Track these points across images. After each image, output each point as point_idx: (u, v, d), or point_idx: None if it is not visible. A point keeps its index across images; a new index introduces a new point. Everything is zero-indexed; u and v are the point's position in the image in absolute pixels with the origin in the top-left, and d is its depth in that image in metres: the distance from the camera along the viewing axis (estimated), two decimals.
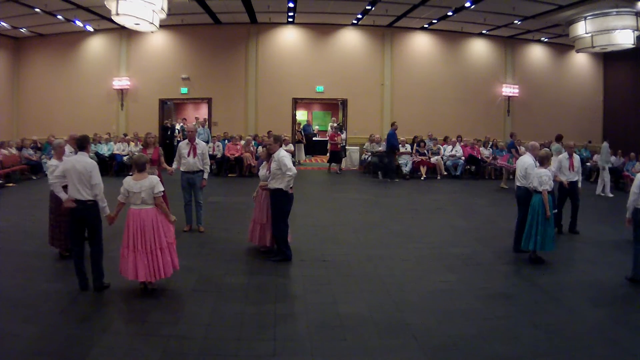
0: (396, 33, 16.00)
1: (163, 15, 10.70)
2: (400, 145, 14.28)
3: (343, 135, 15.05)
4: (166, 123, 15.75)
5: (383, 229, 7.86)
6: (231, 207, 9.46)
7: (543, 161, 6.17)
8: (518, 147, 12.50)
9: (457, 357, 3.76)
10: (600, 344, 4.02)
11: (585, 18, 12.26)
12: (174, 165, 7.39)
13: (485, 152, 14.49)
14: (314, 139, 19.96)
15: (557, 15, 12.75)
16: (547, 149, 7.12)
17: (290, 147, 14.09)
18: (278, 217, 5.86)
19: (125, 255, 4.71)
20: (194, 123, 15.07)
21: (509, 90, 16.47)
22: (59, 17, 13.30)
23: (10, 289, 4.94)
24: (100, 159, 13.18)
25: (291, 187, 5.87)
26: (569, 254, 6.87)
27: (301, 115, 20.04)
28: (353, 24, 15.63)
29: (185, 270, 5.43)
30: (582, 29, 12.47)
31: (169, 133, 15.51)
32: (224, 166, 13.82)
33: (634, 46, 12.25)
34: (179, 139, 14.88)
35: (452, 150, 14.40)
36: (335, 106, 18.71)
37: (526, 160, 6.47)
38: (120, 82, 15.50)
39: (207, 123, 15.73)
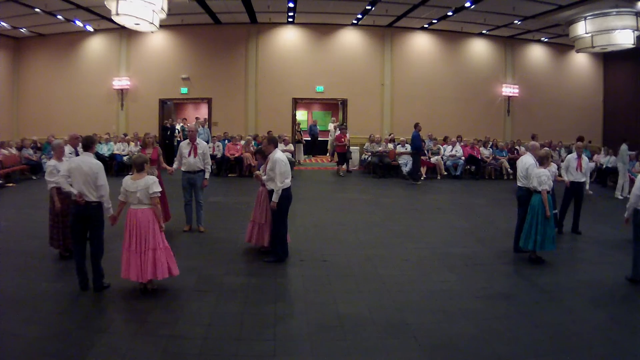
0: (396, 33, 15.99)
1: (163, 15, 10.69)
2: (400, 145, 14.31)
3: (347, 136, 14.86)
4: (166, 123, 15.73)
5: (383, 229, 7.86)
6: (231, 207, 9.46)
7: (543, 161, 6.17)
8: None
9: (457, 357, 3.76)
10: (600, 344, 4.02)
11: (585, 18, 12.26)
12: (175, 165, 7.39)
13: (485, 152, 14.49)
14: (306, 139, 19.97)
15: (557, 15, 12.74)
16: (547, 148, 7.14)
17: (290, 147, 14.11)
18: (276, 217, 5.86)
19: (126, 256, 4.73)
20: (194, 123, 15.06)
21: (509, 90, 16.47)
22: (59, 17, 13.30)
23: (11, 289, 4.94)
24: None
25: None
26: (569, 254, 6.87)
27: (301, 115, 20.04)
28: (353, 24, 15.63)
29: (185, 270, 5.43)
30: (582, 29, 12.47)
31: (168, 133, 15.49)
32: (224, 166, 13.81)
33: (634, 46, 12.24)
34: (179, 139, 14.88)
35: (452, 150, 14.40)
36: (335, 106, 18.70)
37: (527, 160, 6.47)
38: (120, 82, 15.49)
39: (207, 123, 15.71)
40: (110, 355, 3.65)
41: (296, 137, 16.15)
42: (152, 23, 10.31)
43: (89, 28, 14.87)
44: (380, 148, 14.25)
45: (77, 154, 6.37)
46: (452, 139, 14.69)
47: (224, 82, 15.74)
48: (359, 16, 14.54)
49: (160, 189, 4.93)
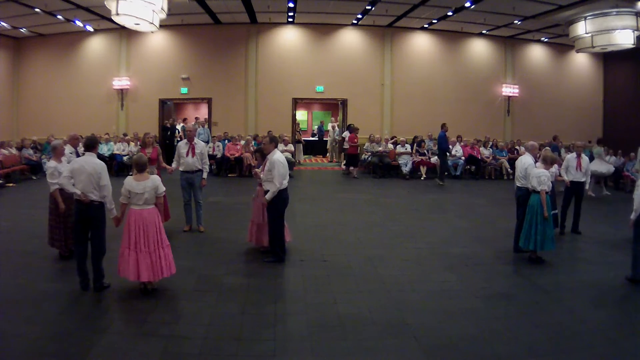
0: (396, 33, 16.00)
1: (163, 15, 10.70)
2: (399, 145, 14.31)
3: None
4: (166, 123, 15.74)
5: (383, 229, 7.86)
6: (231, 207, 9.46)
7: (546, 162, 6.15)
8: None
9: (457, 357, 3.76)
10: (601, 344, 4.02)
11: (585, 18, 12.26)
12: (173, 165, 7.39)
13: (485, 152, 14.49)
14: (313, 138, 20.05)
15: (557, 15, 12.74)
16: (548, 148, 7.14)
17: (290, 147, 14.11)
18: (273, 218, 5.85)
19: (125, 256, 4.69)
20: (193, 123, 15.07)
21: (509, 90, 16.47)
22: (59, 17, 13.30)
23: (11, 289, 4.94)
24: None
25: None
26: (569, 254, 6.87)
27: (301, 115, 20.07)
28: (353, 24, 15.63)
29: (185, 270, 5.43)
30: (582, 29, 12.47)
31: (169, 133, 15.50)
32: (224, 166, 13.82)
33: (634, 46, 12.24)
34: (179, 139, 14.88)
35: (452, 150, 14.39)
36: (335, 106, 18.72)
37: (526, 160, 6.46)
38: (120, 82, 15.50)
39: (207, 123, 15.72)
40: (110, 355, 3.65)
41: (296, 137, 16.16)
42: (152, 23, 10.31)
43: (89, 28, 14.87)
44: (380, 148, 14.24)
45: (77, 154, 6.37)
46: (452, 139, 14.67)
47: (224, 82, 15.74)
48: (359, 16, 14.54)
49: (165, 188, 4.94)
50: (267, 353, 3.76)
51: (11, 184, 11.61)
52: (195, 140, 7.32)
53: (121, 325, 4.27)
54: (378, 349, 3.85)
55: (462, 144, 14.64)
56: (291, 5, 13.19)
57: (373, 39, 15.97)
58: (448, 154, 13.27)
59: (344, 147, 14.26)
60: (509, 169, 13.97)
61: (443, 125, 12.62)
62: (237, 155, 13.65)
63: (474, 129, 15.76)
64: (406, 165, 13.80)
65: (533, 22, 13.89)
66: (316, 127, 20.71)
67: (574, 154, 7.70)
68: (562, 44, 16.47)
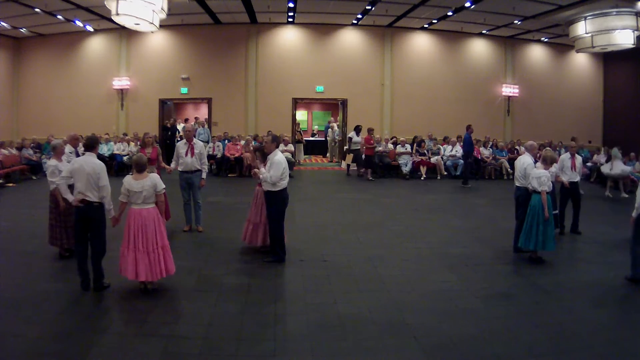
0: (396, 33, 16.00)
1: (163, 15, 10.70)
2: (399, 145, 14.31)
3: (358, 138, 13.92)
4: (166, 123, 15.75)
5: (383, 229, 7.86)
6: (231, 207, 9.46)
7: (546, 162, 6.14)
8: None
9: (457, 357, 3.76)
10: (600, 344, 4.02)
11: (585, 18, 12.26)
12: (172, 165, 7.40)
13: (486, 152, 14.49)
14: (312, 138, 20.04)
15: (557, 15, 12.75)
16: (549, 148, 7.12)
17: (290, 147, 14.11)
18: (273, 218, 5.85)
19: (125, 255, 4.71)
20: (193, 123, 15.07)
21: (509, 90, 16.47)
22: (59, 17, 13.30)
23: (11, 289, 4.94)
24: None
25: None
26: (570, 254, 6.87)
27: (301, 115, 20.07)
28: (353, 24, 15.63)
29: (185, 270, 5.44)
30: (582, 29, 12.47)
31: (169, 133, 15.50)
32: (224, 166, 13.82)
33: (634, 46, 12.24)
34: (178, 139, 14.88)
35: (452, 150, 14.40)
36: (335, 106, 18.71)
37: (525, 160, 6.46)
38: (120, 82, 15.50)
39: (207, 123, 15.71)
40: (110, 355, 3.65)
41: (296, 137, 16.16)
42: (152, 23, 10.32)
43: (89, 28, 14.87)
44: (380, 148, 14.23)
45: (77, 154, 6.37)
46: (452, 139, 14.69)
47: (224, 82, 15.74)
48: (359, 16, 14.54)
49: (164, 186, 4.95)
50: (267, 353, 3.76)
51: (11, 184, 11.61)
52: (194, 140, 7.32)
53: (121, 325, 4.28)
54: (378, 349, 3.85)
55: (462, 144, 14.62)
56: (291, 5, 13.19)
57: (373, 39, 15.98)
58: (473, 156, 13.02)
59: (351, 148, 13.86)
60: (509, 169, 13.96)
61: (468, 127, 12.44)
62: (237, 155, 13.65)
63: (474, 129, 15.70)
64: (406, 165, 13.81)
65: (533, 22, 13.89)
66: (320, 127, 20.68)
67: (568, 154, 7.70)
68: (562, 44, 16.48)
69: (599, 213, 9.45)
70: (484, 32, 15.98)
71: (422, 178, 13.66)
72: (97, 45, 15.77)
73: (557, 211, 7.24)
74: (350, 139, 13.83)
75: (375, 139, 14.51)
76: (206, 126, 15.26)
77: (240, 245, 6.55)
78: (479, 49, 16.58)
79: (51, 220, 5.83)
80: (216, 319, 4.35)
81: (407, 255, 6.37)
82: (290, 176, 6.71)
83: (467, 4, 12.38)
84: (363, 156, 13.58)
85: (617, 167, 11.47)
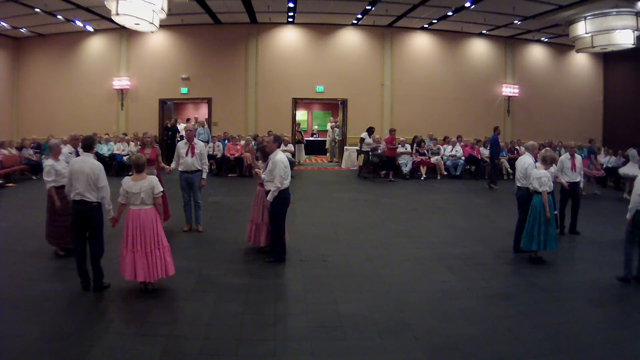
0: (396, 33, 16.00)
1: (163, 15, 10.70)
2: (400, 145, 14.30)
3: (370, 139, 13.60)
4: (167, 123, 15.75)
5: (383, 229, 7.86)
6: (231, 207, 9.46)
7: (546, 162, 6.14)
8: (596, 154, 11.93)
9: (457, 357, 3.76)
10: (600, 344, 4.02)
11: (585, 18, 12.26)
12: (172, 165, 7.41)
13: (485, 152, 14.47)
14: (312, 138, 20.07)
15: (557, 15, 12.75)
16: (548, 148, 7.11)
17: (290, 147, 14.10)
18: (274, 218, 5.85)
19: (123, 255, 4.72)
20: (193, 123, 15.07)
21: (509, 90, 16.48)
22: (59, 17, 13.31)
23: (10, 289, 4.94)
24: (100, 159, 13.20)
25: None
26: (569, 254, 6.88)
27: (301, 115, 20.08)
28: (353, 24, 15.64)
29: (185, 270, 5.43)
30: (582, 29, 12.47)
31: (170, 133, 15.51)
32: (224, 166, 13.82)
33: (634, 46, 12.24)
34: (178, 139, 14.88)
35: (452, 150, 14.40)
36: (335, 106, 18.73)
37: (526, 161, 6.46)
38: (120, 82, 15.50)
39: (207, 123, 15.71)
40: (110, 355, 3.65)
41: (297, 138, 16.16)
42: (152, 23, 10.32)
43: (89, 28, 14.87)
44: (381, 149, 14.19)
45: (77, 154, 6.37)
46: (452, 139, 14.70)
47: (224, 82, 15.75)
48: (359, 16, 14.55)
49: (162, 188, 4.94)
50: (267, 353, 3.76)
51: (11, 184, 11.61)
52: (195, 140, 7.32)
53: (121, 325, 4.27)
54: (378, 349, 3.85)
55: (462, 144, 14.64)
56: (291, 5, 13.19)
57: (373, 39, 15.98)
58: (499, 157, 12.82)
59: (362, 149, 13.58)
60: (509, 169, 13.96)
61: (496, 129, 12.30)
62: (237, 155, 13.65)
63: (474, 129, 15.77)
64: (406, 165, 13.81)
65: (533, 22, 13.90)
66: (320, 127, 20.67)
67: (567, 155, 7.67)
68: (562, 44, 16.48)
69: (599, 213, 9.44)
70: (484, 32, 15.99)
71: (422, 178, 13.66)
72: (97, 45, 15.78)
73: (556, 212, 7.23)
74: (363, 139, 13.56)
75: (376, 139, 14.53)
76: (206, 126, 15.26)
77: (240, 245, 6.55)
78: (479, 49, 16.58)
79: (48, 219, 5.90)
80: (216, 319, 4.35)
81: (407, 255, 6.37)
82: (290, 176, 6.71)
83: (467, 4, 12.38)
84: (367, 157, 13.46)
85: (634, 168, 11.29)
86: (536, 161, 6.45)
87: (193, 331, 4.07)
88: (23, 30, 14.73)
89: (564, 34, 14.12)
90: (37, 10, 12.47)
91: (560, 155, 8.05)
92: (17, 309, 4.44)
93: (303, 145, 17.04)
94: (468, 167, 14.43)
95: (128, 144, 13.98)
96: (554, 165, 6.56)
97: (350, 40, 16.04)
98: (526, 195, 6.29)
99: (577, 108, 17.07)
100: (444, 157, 14.32)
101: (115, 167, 13.57)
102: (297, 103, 16.42)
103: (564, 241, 7.34)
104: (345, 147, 15.94)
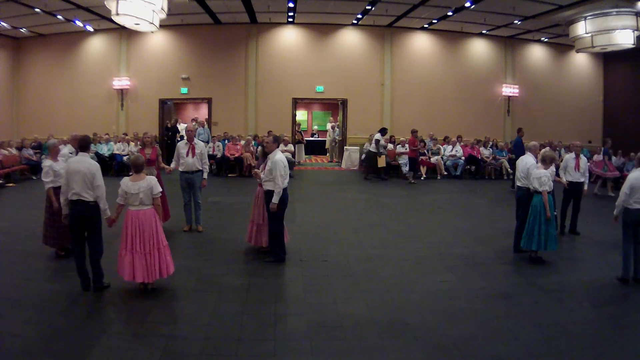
0: (396, 33, 16.00)
1: (163, 15, 10.70)
2: (400, 145, 14.30)
3: (383, 140, 13.35)
4: (167, 123, 15.75)
5: (383, 229, 7.86)
6: (231, 207, 9.46)
7: (546, 161, 6.15)
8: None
9: (457, 357, 3.76)
10: (601, 344, 4.02)
11: (585, 18, 12.26)
12: (172, 165, 7.41)
13: (485, 152, 14.49)
14: (312, 138, 20.08)
15: (557, 15, 12.75)
16: (548, 148, 7.12)
17: (290, 147, 14.10)
18: (273, 218, 5.85)
19: (122, 256, 4.72)
20: (193, 123, 15.07)
21: (509, 90, 16.48)
22: (59, 17, 13.30)
23: (10, 289, 4.94)
24: (100, 159, 13.20)
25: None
26: (569, 254, 6.87)
27: (301, 115, 20.08)
28: (353, 24, 15.64)
29: (185, 270, 5.44)
30: (582, 29, 12.47)
31: (170, 134, 15.51)
32: (224, 166, 13.81)
33: (634, 46, 12.24)
34: (178, 139, 14.88)
35: (452, 150, 14.40)
36: (335, 106, 18.74)
37: (528, 160, 6.47)
38: (120, 82, 15.50)
39: (207, 123, 15.71)
40: (110, 355, 3.65)
41: (297, 138, 16.16)
42: (152, 23, 10.31)
43: (89, 28, 14.87)
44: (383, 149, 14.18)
45: (77, 154, 6.37)
46: (452, 139, 14.70)
47: (224, 82, 15.75)
48: (359, 16, 14.55)
49: (161, 189, 4.94)
50: (267, 353, 3.76)
51: (11, 184, 11.61)
52: (195, 140, 7.32)
53: (121, 325, 4.27)
54: (378, 349, 3.85)
55: (462, 144, 14.64)
56: (291, 5, 13.19)
57: (373, 39, 15.98)
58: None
59: (379, 151, 13.27)
60: (509, 169, 13.96)
61: (519, 130, 12.12)
62: (237, 155, 13.65)
63: (474, 129, 15.78)
64: (406, 165, 13.80)
65: (533, 22, 13.90)
66: (320, 127, 20.67)
67: (572, 154, 7.67)
68: (562, 44, 16.48)
69: (598, 213, 9.43)
70: (484, 32, 15.99)
71: (422, 178, 13.65)
72: (97, 45, 15.77)
73: (556, 212, 7.23)
74: (378, 141, 13.23)
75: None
76: (206, 126, 15.25)
77: (240, 245, 6.55)
78: (479, 49, 16.58)
79: (46, 220, 5.86)
80: (216, 319, 4.35)
81: (407, 255, 6.36)
82: (290, 176, 6.71)
83: (467, 4, 12.38)
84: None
85: None
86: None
87: (193, 331, 4.07)
88: (23, 30, 14.73)
89: (564, 34, 14.12)
90: (37, 10, 12.47)
91: (560, 155, 8.07)
92: (17, 309, 4.44)
93: (303, 145, 17.04)
94: (468, 167, 14.43)
95: (128, 144, 13.98)
96: (553, 164, 6.57)
97: (350, 40, 16.04)
98: (527, 195, 6.30)
99: (577, 108, 17.07)
100: (444, 157, 14.32)
101: (115, 167, 13.56)
102: (297, 103, 16.42)
103: (564, 241, 7.34)
104: (345, 147, 15.93)
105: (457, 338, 4.04)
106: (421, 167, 13.83)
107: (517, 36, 16.21)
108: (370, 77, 16.01)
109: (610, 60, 16.97)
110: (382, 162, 13.38)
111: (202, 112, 18.41)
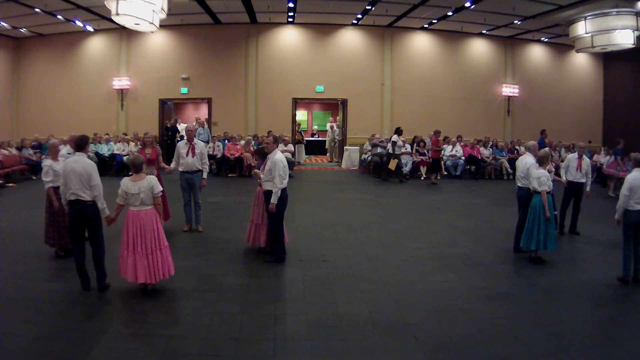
0: (396, 33, 16.00)
1: (163, 15, 10.69)
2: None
3: (398, 141, 13.07)
4: (166, 123, 15.75)
5: (383, 229, 7.86)
6: (231, 207, 9.46)
7: (542, 161, 6.17)
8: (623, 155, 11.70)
9: (457, 357, 3.76)
10: (600, 343, 4.02)
11: (585, 18, 12.25)
12: (172, 165, 7.41)
13: (485, 152, 14.49)
14: (312, 138, 20.09)
15: (557, 15, 12.74)
16: (546, 149, 7.12)
17: (290, 147, 14.11)
18: (273, 218, 5.85)
19: (124, 257, 4.71)
20: (193, 123, 15.07)
21: (509, 90, 16.47)
22: (59, 17, 13.30)
23: (10, 289, 4.94)
24: (100, 159, 13.21)
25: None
26: (569, 254, 6.87)
27: (301, 115, 20.08)
28: (353, 24, 15.63)
29: (185, 270, 5.44)
30: (582, 29, 12.46)
31: (169, 134, 15.51)
32: (224, 166, 13.82)
33: (634, 46, 12.23)
34: (178, 139, 14.88)
35: (452, 150, 14.40)
36: (335, 106, 18.74)
37: (528, 160, 6.47)
38: (120, 82, 15.50)
39: (207, 123, 15.71)
40: (110, 355, 3.65)
41: (297, 138, 16.15)
42: (152, 23, 10.31)
43: (89, 28, 14.87)
44: (379, 150, 14.16)
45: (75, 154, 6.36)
46: (452, 139, 14.69)
47: (224, 82, 15.74)
48: (359, 16, 14.54)
49: (162, 188, 4.94)
50: (267, 353, 3.76)
51: (11, 184, 11.61)
52: (195, 140, 7.32)
53: (121, 326, 4.27)
54: (378, 349, 3.85)
55: (462, 144, 14.63)
56: (291, 5, 13.19)
57: (373, 39, 15.97)
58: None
59: (396, 152, 13.07)
60: (509, 169, 13.97)
61: (543, 132, 12.03)
62: (237, 155, 13.65)
63: (474, 129, 15.77)
64: (406, 165, 13.80)
65: (533, 22, 13.89)
66: (320, 127, 20.66)
67: (575, 154, 7.64)
68: (562, 44, 16.47)
69: (598, 213, 9.43)
70: (484, 32, 15.98)
71: (422, 178, 13.65)
72: (97, 45, 15.77)
73: (556, 212, 7.23)
74: (395, 142, 13.03)
75: (377, 141, 14.51)
76: (206, 126, 15.25)
77: (240, 245, 6.56)
78: (479, 49, 16.58)
79: (46, 220, 5.89)
80: (216, 319, 4.35)
81: (407, 255, 6.37)
82: (290, 176, 6.72)
83: (467, 4, 12.38)
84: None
85: None
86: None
87: (193, 331, 4.07)
88: (23, 30, 14.72)
89: (564, 34, 14.11)
90: (37, 10, 12.46)
91: (560, 155, 8.06)
92: (17, 309, 4.44)
93: (303, 145, 17.04)
94: (468, 167, 14.43)
95: (128, 144, 13.98)
96: (552, 163, 6.57)
97: (350, 40, 16.04)
98: (526, 195, 6.30)
99: (577, 108, 17.06)
100: (444, 157, 14.31)
101: (115, 167, 13.56)
102: (297, 103, 16.41)
103: (564, 241, 7.34)
104: (345, 147, 15.93)
105: (457, 338, 4.04)
106: (421, 167, 13.83)
107: (517, 36, 16.20)
108: (370, 77, 16.00)
109: (610, 60, 16.96)
110: (392, 164, 13.18)
111: (202, 112, 18.41)
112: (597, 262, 6.29)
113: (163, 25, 12.92)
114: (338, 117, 17.25)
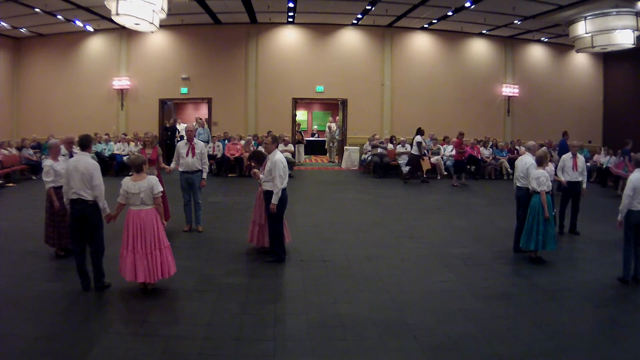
0: (396, 33, 15.99)
1: (163, 15, 10.69)
2: (400, 145, 14.30)
3: (423, 142, 12.88)
4: (165, 123, 15.74)
5: (383, 229, 7.86)
6: (231, 207, 9.46)
7: (541, 161, 6.16)
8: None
9: (457, 357, 3.76)
10: (601, 343, 4.02)
11: (585, 18, 12.25)
12: (172, 165, 7.41)
13: (485, 152, 14.49)
14: (312, 138, 20.10)
15: (557, 15, 12.74)
16: (544, 148, 7.12)
17: (290, 147, 14.10)
18: (272, 218, 5.85)
19: (124, 256, 4.71)
20: (193, 123, 15.07)
21: (509, 90, 16.47)
22: (59, 17, 13.30)
23: (10, 289, 4.94)
24: (100, 158, 13.20)
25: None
26: (569, 253, 6.88)
27: (301, 115, 20.08)
28: (353, 24, 15.63)
29: (185, 270, 5.44)
30: (582, 29, 12.46)
31: (169, 133, 15.51)
32: (224, 166, 13.82)
33: (634, 46, 12.23)
34: (178, 139, 14.88)
35: (452, 150, 14.38)
36: (335, 106, 18.74)
37: (527, 160, 6.47)
38: (120, 82, 15.49)
39: (207, 123, 15.71)
40: (110, 355, 3.65)
41: (296, 137, 16.15)
42: (152, 23, 10.31)
43: (89, 28, 14.86)
44: (379, 150, 14.15)
45: (71, 156, 6.35)
46: (452, 139, 14.68)
47: (224, 82, 15.74)
48: (359, 16, 14.54)
49: (162, 188, 4.94)
50: (267, 353, 3.76)
51: (11, 184, 11.61)
52: (195, 140, 7.32)
53: (121, 325, 4.27)
54: (378, 349, 3.86)
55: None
56: (291, 5, 13.18)
57: (373, 39, 15.97)
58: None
59: (422, 153, 12.92)
60: (509, 169, 13.96)
61: (565, 133, 11.86)
62: (237, 155, 13.65)
63: (474, 129, 15.74)
64: (406, 165, 13.78)
65: (533, 22, 13.89)
66: (320, 127, 20.67)
67: (569, 154, 7.67)
68: (562, 44, 16.47)
69: (598, 212, 9.44)
70: (484, 32, 15.98)
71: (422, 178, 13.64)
72: (97, 45, 15.76)
73: (554, 212, 7.23)
74: (420, 143, 12.80)
75: (377, 142, 14.52)
76: (206, 126, 15.25)
77: (240, 245, 6.56)
78: (479, 49, 16.57)
79: (46, 220, 5.89)
80: (216, 319, 4.35)
81: (407, 255, 6.37)
82: (290, 176, 6.72)
83: (467, 4, 12.38)
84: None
85: None
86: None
87: (193, 331, 4.07)
88: (23, 30, 14.72)
89: (564, 34, 14.11)
90: (37, 10, 12.46)
91: (559, 156, 8.05)
92: (17, 309, 4.44)
93: (303, 145, 17.04)
94: (468, 167, 14.41)
95: (128, 144, 13.97)
96: (551, 163, 6.57)
97: (350, 40, 16.03)
98: (526, 195, 6.31)
99: (577, 108, 17.05)
100: (444, 157, 14.31)
101: (115, 167, 13.55)
102: (297, 103, 16.41)
103: (564, 241, 7.34)
104: (345, 147, 15.93)
105: (457, 338, 4.04)
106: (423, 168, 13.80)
107: (517, 36, 16.20)
108: (370, 77, 16.00)
109: (610, 60, 16.96)
110: (426, 164, 13.00)
111: (202, 112, 18.41)
112: (597, 262, 6.30)
113: (163, 25, 12.92)
114: (338, 117, 17.25)
